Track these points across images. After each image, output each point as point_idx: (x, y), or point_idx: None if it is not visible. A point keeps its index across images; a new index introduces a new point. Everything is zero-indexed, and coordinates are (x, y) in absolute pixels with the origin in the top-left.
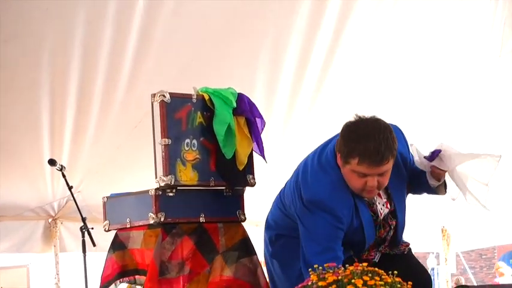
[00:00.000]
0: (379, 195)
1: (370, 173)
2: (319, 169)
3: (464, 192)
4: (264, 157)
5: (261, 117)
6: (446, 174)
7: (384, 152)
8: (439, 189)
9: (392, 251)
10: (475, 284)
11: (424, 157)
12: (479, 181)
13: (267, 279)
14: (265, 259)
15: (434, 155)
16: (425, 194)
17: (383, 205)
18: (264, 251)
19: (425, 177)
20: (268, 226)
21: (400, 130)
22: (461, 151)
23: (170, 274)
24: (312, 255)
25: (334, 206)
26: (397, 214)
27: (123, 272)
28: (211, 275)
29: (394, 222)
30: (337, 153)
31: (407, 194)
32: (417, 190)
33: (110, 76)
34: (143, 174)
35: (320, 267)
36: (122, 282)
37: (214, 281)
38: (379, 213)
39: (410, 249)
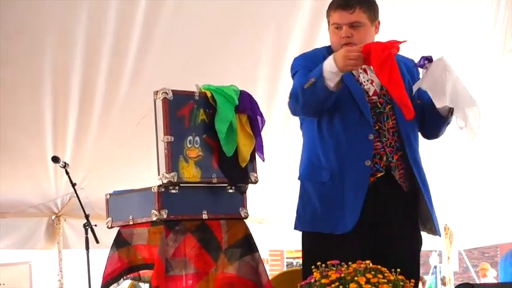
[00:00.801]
0: (365, 70)
1: (342, 21)
2: None
3: (457, 110)
4: (261, 156)
5: (261, 115)
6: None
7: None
8: (445, 109)
9: (409, 153)
10: (478, 282)
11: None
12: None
13: (269, 277)
14: None
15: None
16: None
17: (367, 80)
18: None
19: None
20: None
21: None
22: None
23: (174, 271)
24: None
25: (308, 55)
26: (396, 106)
27: (129, 268)
28: (217, 272)
29: (390, 106)
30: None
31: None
32: (427, 117)
33: (112, 73)
34: (146, 171)
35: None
36: (126, 279)
37: (218, 278)
38: (362, 83)
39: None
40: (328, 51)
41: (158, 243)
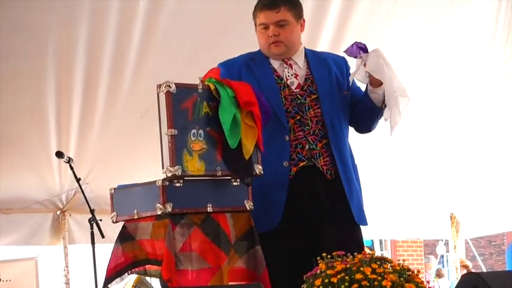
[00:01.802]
0: (290, 66)
1: (268, 21)
2: None
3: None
4: (260, 149)
5: (267, 111)
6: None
7: None
8: (379, 100)
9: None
10: (485, 270)
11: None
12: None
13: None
14: None
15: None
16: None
17: (291, 75)
18: None
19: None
20: None
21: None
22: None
23: (183, 266)
24: None
25: (226, 63)
26: (320, 96)
27: (133, 263)
28: (229, 266)
29: (312, 97)
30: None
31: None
32: (358, 109)
33: (115, 67)
34: (151, 164)
35: None
36: (132, 273)
37: (231, 272)
38: (285, 78)
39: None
40: (252, 57)
41: (162, 237)
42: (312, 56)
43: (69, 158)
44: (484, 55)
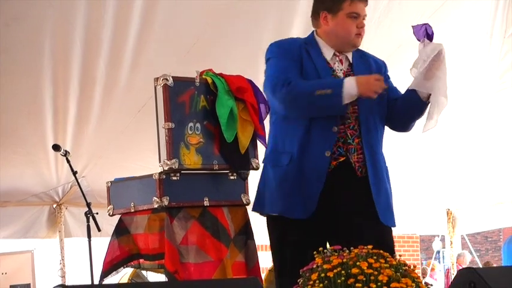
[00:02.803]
0: (340, 61)
1: (362, 12)
2: None
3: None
4: (263, 142)
5: (265, 102)
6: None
7: None
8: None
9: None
10: (481, 266)
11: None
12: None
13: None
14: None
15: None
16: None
17: (340, 70)
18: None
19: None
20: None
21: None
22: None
23: (185, 259)
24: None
25: (283, 44)
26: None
27: (129, 257)
28: (230, 259)
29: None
30: (322, 12)
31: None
32: (399, 105)
33: (112, 60)
34: (148, 158)
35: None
36: (127, 267)
37: (234, 266)
38: (335, 70)
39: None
40: (306, 41)
41: (156, 231)
42: (355, 54)
43: (65, 151)
44: (482, 51)
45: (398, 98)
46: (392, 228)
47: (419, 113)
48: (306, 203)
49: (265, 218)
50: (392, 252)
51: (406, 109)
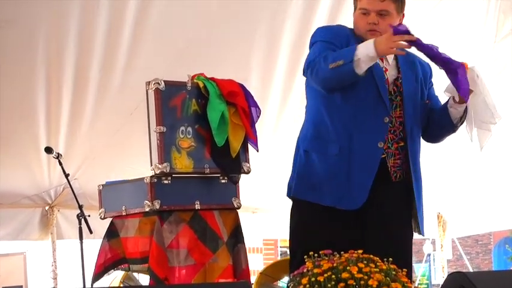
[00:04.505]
0: (381, 59)
1: (370, 7)
2: None
3: (471, 125)
4: (255, 146)
5: (256, 106)
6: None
7: None
8: (456, 117)
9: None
10: (471, 269)
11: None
12: (486, 122)
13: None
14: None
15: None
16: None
17: (382, 67)
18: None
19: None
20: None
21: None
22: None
23: (171, 263)
24: (305, 64)
25: (332, 29)
26: (404, 100)
27: (120, 260)
28: (219, 263)
29: (400, 98)
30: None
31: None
32: (433, 121)
33: (105, 62)
34: (140, 160)
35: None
36: (118, 269)
37: (226, 270)
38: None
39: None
40: (352, 32)
41: (147, 234)
42: (401, 55)
43: (58, 153)
44: (472, 56)
45: (435, 109)
46: None
47: (448, 132)
48: (356, 194)
49: (260, 216)
50: (410, 260)
51: (438, 125)
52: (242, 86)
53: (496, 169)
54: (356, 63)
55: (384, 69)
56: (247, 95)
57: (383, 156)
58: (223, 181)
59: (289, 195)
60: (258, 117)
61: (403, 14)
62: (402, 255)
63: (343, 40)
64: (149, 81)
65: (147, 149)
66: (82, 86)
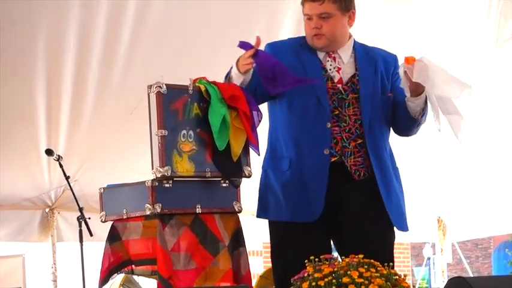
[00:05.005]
0: (333, 58)
1: (311, 12)
2: None
3: (438, 117)
4: (256, 150)
5: (257, 109)
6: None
7: None
8: (416, 110)
9: (371, 148)
10: (471, 274)
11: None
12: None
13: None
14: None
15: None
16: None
17: (334, 68)
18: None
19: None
20: None
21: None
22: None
23: (175, 266)
24: None
25: (275, 44)
26: (361, 96)
27: (123, 263)
28: (219, 267)
29: (354, 95)
30: None
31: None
32: (397, 115)
33: (105, 63)
34: (140, 161)
35: None
36: (120, 273)
37: (227, 274)
38: (328, 70)
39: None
40: (303, 41)
41: (154, 235)
42: (361, 52)
43: (58, 155)
44: (473, 60)
45: (399, 102)
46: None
47: (413, 126)
48: (312, 205)
49: (260, 220)
50: (390, 257)
51: (402, 119)
52: (243, 90)
53: (496, 173)
54: (230, 81)
55: (336, 69)
56: (249, 99)
57: (334, 159)
58: (224, 185)
59: (257, 216)
60: (260, 121)
61: (353, 12)
62: (379, 254)
63: (280, 54)
64: (151, 85)
65: (147, 149)
66: (82, 87)
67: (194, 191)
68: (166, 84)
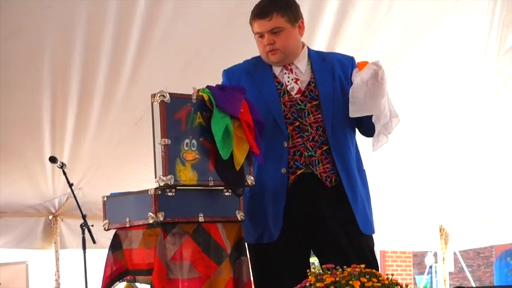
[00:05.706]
0: (291, 70)
1: (261, 29)
2: None
3: (377, 124)
4: (260, 159)
5: (260, 119)
6: None
7: (268, 7)
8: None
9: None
10: (473, 282)
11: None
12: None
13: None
14: None
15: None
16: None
17: (292, 79)
18: None
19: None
20: None
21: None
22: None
23: (174, 275)
24: None
25: (228, 71)
26: (321, 101)
27: (124, 272)
28: (223, 276)
29: (313, 103)
30: None
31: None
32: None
33: (110, 74)
34: (144, 170)
35: None
36: (123, 281)
37: (229, 283)
38: (285, 83)
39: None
40: (255, 62)
41: (154, 245)
42: (316, 59)
43: (62, 163)
44: (476, 68)
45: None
46: (381, 242)
47: (373, 126)
48: (272, 225)
49: None
50: (370, 259)
51: (363, 120)
52: (246, 99)
53: (498, 183)
54: None
55: (294, 80)
56: (252, 109)
57: (301, 171)
58: (227, 194)
59: None
60: (262, 130)
61: (302, 21)
62: (358, 260)
63: (234, 80)
64: (154, 94)
65: (150, 158)
66: (87, 97)
67: (197, 199)
68: (169, 93)
